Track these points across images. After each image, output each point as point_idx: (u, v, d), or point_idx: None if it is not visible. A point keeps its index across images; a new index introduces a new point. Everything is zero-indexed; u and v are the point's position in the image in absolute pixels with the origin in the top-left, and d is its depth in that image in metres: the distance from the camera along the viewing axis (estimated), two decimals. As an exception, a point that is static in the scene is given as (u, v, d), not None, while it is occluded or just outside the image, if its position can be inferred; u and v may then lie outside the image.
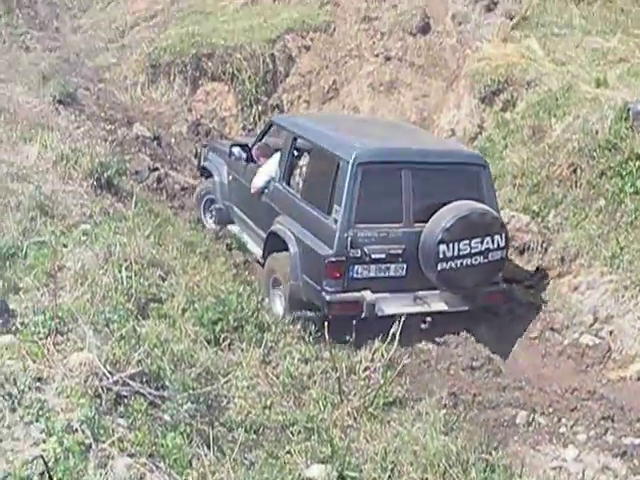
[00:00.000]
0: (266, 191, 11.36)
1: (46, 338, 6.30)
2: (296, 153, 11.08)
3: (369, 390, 7.81)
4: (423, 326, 9.56)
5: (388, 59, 17.84)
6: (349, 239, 9.41)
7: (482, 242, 9.85)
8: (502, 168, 13.14)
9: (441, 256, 9.60)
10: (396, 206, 9.80)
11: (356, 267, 9.56)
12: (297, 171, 10.98)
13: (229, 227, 12.57)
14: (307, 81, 17.98)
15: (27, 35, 21.98)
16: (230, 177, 12.77)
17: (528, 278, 11.60)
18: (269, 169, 11.49)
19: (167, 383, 6.26)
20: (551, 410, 8.98)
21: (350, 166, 9.47)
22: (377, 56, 18.02)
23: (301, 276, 9.88)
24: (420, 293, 9.98)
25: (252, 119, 17.18)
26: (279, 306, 10.25)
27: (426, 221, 9.76)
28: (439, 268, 9.66)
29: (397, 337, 8.30)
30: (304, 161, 10.89)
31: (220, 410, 6.73)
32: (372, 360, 8.48)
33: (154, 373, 6.30)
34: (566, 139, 12.58)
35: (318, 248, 9.65)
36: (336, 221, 9.51)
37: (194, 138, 16.65)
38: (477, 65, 15.95)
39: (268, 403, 7.23)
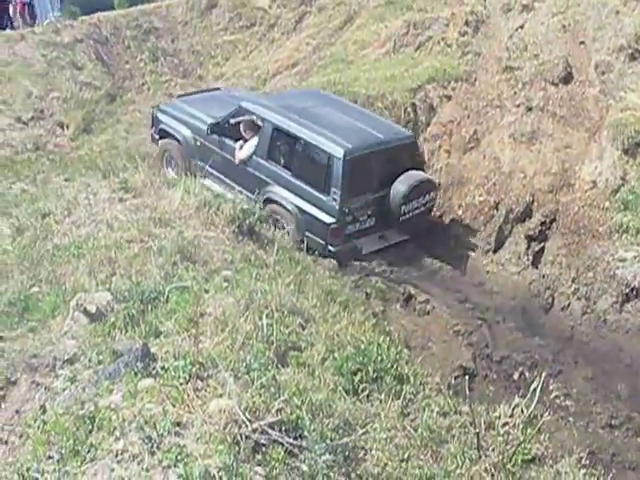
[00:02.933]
0: (250, 162, 15.19)
1: (186, 383, 6.30)
2: (277, 137, 14.89)
3: (508, 446, 7.53)
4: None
5: (529, 109, 17.48)
6: (345, 210, 13.97)
7: (424, 198, 14.81)
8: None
9: (402, 212, 14.47)
10: (368, 179, 14.30)
11: (349, 227, 14.17)
12: (280, 151, 14.91)
13: (203, 181, 14.66)
14: (448, 130, 17.80)
15: (171, 82, 22.75)
16: (198, 143, 16.21)
17: None
18: (252, 145, 15.26)
19: (305, 433, 6.15)
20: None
21: (342, 161, 13.81)
22: (518, 106, 17.70)
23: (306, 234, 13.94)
24: (382, 233, 14.86)
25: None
26: None
27: (387, 186, 14.47)
28: (401, 220, 14.58)
29: (536, 394, 8.07)
30: (287, 144, 14.78)
31: (357, 462, 6.59)
32: (511, 416, 8.25)
33: (293, 422, 6.21)
34: None
35: (323, 217, 14.00)
36: (335, 199, 13.93)
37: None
38: (620, 115, 15.59)
39: (405, 456, 7.05)
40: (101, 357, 6.95)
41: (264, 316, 7.63)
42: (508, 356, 12.52)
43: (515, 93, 17.94)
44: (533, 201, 15.99)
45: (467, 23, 20.62)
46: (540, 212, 15.82)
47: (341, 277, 12.29)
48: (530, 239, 15.65)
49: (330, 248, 13.78)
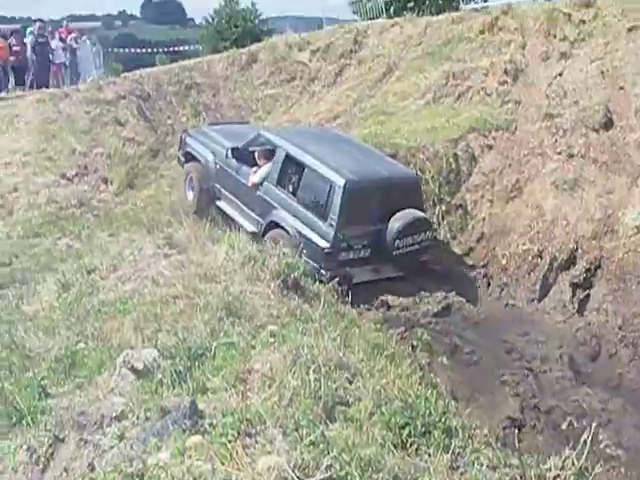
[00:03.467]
0: (260, 187, 16.19)
1: (235, 440, 6.24)
2: (287, 164, 15.82)
3: (560, 500, 7.40)
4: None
5: (571, 156, 17.46)
6: (340, 236, 14.57)
7: (419, 236, 15.20)
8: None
9: (395, 246, 14.94)
10: (366, 211, 14.96)
11: (342, 253, 14.75)
12: (289, 178, 15.79)
13: (218, 203, 17.38)
14: (490, 180, 17.81)
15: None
16: (218, 166, 17.52)
17: None
18: (265, 171, 16.27)
19: (355, 489, 6.08)
20: None
21: (342, 190, 14.55)
22: (560, 153, 17.68)
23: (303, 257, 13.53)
24: (375, 266, 15.21)
25: (436, 219, 17.10)
26: None
27: (383, 221, 14.98)
28: (394, 254, 15.02)
29: (587, 445, 7.95)
30: (296, 172, 15.67)
31: (408, 516, 6.51)
32: (562, 468, 8.10)
33: (342, 478, 6.14)
34: None
35: (319, 241, 14.67)
36: (332, 225, 14.63)
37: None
38: (662, 160, 15.52)
39: (456, 511, 6.95)
40: (149, 414, 6.93)
41: (311, 371, 7.59)
42: (556, 406, 12.39)
43: (556, 140, 17.95)
44: (577, 248, 15.95)
45: (506, 72, 20.75)
46: (584, 259, 15.77)
47: (387, 330, 12.24)
48: (575, 286, 15.58)
49: (322, 272, 14.33)
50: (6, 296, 11.66)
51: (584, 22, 21.07)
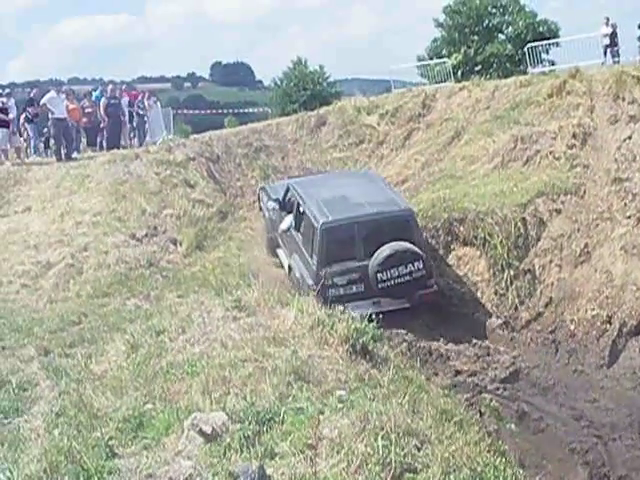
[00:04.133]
0: (287, 233, 17.75)
1: (303, 507, 6.24)
2: (298, 210, 17.24)
3: None
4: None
5: (640, 220, 17.36)
6: (321, 274, 15.47)
7: (406, 267, 15.57)
8: None
9: (379, 279, 15.55)
10: (349, 248, 15.86)
11: (330, 290, 15.45)
12: (299, 222, 17.16)
13: (277, 250, 19.07)
14: (558, 245, 17.67)
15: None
16: (274, 217, 19.15)
17: None
18: (290, 218, 17.69)
19: None
20: None
21: (319, 230, 15.68)
22: (629, 217, 17.52)
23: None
24: (376, 299, 15.76)
25: (504, 284, 17.02)
26: None
27: (371, 256, 15.61)
28: (380, 287, 15.62)
29: None
30: (302, 217, 17.00)
31: None
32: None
33: None
34: None
35: (307, 279, 15.91)
36: (314, 264, 15.75)
37: (446, 302, 16.75)
38: None
39: None
40: (217, 478, 6.94)
41: (379, 437, 7.54)
42: (626, 475, 12.17)
43: (625, 205, 17.82)
44: (646, 314, 15.70)
45: (575, 136, 20.71)
46: (654, 325, 15.54)
47: (455, 395, 12.12)
48: (646, 352, 15.34)
49: None
50: (75, 355, 11.81)
51: (653, 85, 21.08)
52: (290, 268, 17.27)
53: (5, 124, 26.81)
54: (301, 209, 17.07)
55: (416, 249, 15.73)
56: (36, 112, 27.52)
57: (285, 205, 18.54)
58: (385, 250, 15.50)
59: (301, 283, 16.06)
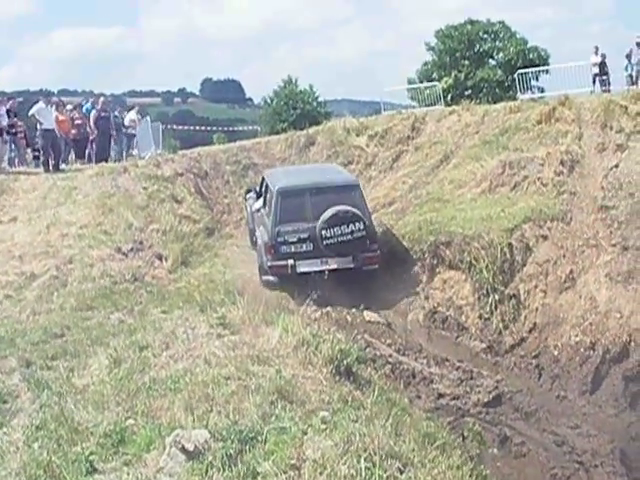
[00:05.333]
0: (258, 213, 20.30)
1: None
2: (266, 190, 19.75)
3: None
4: (325, 276, 17.60)
5: (625, 248, 17.44)
6: (276, 232, 17.83)
7: (348, 226, 17.68)
8: None
9: (324, 236, 17.62)
10: (300, 211, 18.03)
11: (282, 247, 17.85)
12: (265, 200, 19.68)
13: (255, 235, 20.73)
14: (544, 270, 17.73)
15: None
16: (253, 210, 21.42)
17: None
18: (262, 199, 20.26)
19: None
20: None
21: (275, 194, 18.23)
22: (614, 245, 17.65)
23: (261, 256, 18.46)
24: (324, 258, 17.85)
25: (488, 308, 17.05)
26: None
27: (318, 219, 17.64)
28: (324, 243, 17.64)
29: None
30: (268, 193, 19.36)
31: None
32: None
33: None
34: None
35: (265, 238, 18.28)
36: (270, 223, 18.03)
37: (430, 325, 16.77)
38: None
39: None
40: (198, 497, 6.92)
41: (362, 460, 7.51)
42: (607, 502, 12.18)
43: (611, 232, 17.96)
44: (630, 341, 15.84)
45: (562, 163, 20.87)
46: (638, 352, 15.62)
47: (437, 418, 12.12)
48: (628, 380, 15.42)
49: (268, 263, 17.97)
50: (57, 368, 11.73)
51: (640, 114, 21.25)
52: (256, 240, 19.88)
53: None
54: (268, 187, 19.49)
55: (357, 211, 17.90)
56: (12, 124, 27.05)
57: (260, 193, 20.96)
58: (330, 211, 17.65)
59: (262, 249, 18.48)
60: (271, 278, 18.06)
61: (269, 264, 17.89)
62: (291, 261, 17.70)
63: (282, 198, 18.14)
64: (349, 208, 17.81)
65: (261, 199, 20.41)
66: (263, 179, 21.19)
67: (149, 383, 10.12)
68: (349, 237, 17.68)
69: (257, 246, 19.55)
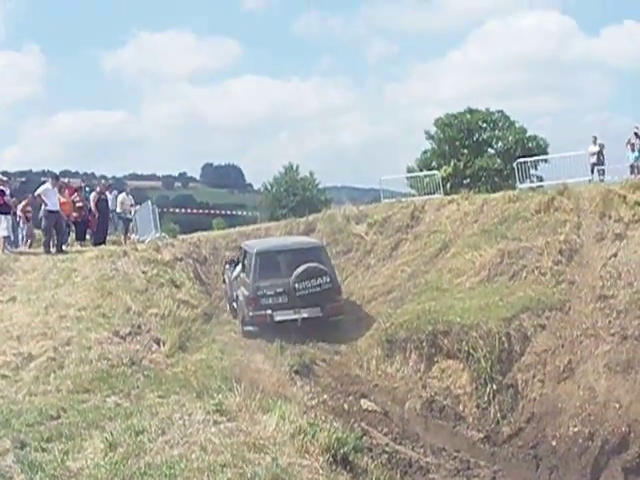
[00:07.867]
0: (237, 279, 23.23)
1: None
2: (245, 257, 23.13)
3: None
4: (299, 325, 20.98)
5: (625, 338, 17.44)
6: (256, 287, 21.26)
7: (316, 280, 21.22)
8: None
9: (297, 288, 21.10)
10: (275, 269, 21.58)
11: (262, 299, 21.23)
12: (244, 266, 22.83)
13: (234, 304, 23.92)
14: (542, 360, 17.71)
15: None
16: (231, 278, 24.58)
17: None
18: (240, 266, 23.38)
19: None
20: None
21: (254, 255, 21.81)
22: (613, 335, 17.66)
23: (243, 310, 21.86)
24: (296, 310, 21.19)
25: (486, 397, 16.97)
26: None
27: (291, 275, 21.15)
28: (297, 295, 21.08)
29: None
30: (245, 257, 23.00)
31: None
32: None
33: None
34: None
35: (246, 293, 21.61)
36: (250, 281, 21.41)
37: (427, 414, 16.68)
38: None
39: None
40: None
41: None
42: None
43: (610, 322, 18.00)
44: (630, 432, 15.73)
45: (561, 252, 21.01)
46: (637, 443, 15.51)
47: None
48: (627, 472, 15.31)
49: (250, 314, 21.34)
50: (52, 450, 11.60)
51: (639, 204, 21.37)
52: (237, 300, 22.99)
53: (7, 210, 26.62)
54: (247, 252, 23.00)
55: (323, 267, 21.76)
56: (5, 202, 26.88)
57: (239, 261, 24.14)
58: (301, 267, 21.32)
59: (243, 303, 21.88)
60: (252, 328, 21.37)
61: (251, 314, 21.31)
62: (269, 311, 21.24)
63: (260, 259, 21.85)
64: (316, 265, 21.53)
65: (240, 265, 23.62)
66: (241, 247, 25.04)
67: (144, 468, 10.02)
68: (318, 289, 21.30)
69: (238, 304, 22.84)
